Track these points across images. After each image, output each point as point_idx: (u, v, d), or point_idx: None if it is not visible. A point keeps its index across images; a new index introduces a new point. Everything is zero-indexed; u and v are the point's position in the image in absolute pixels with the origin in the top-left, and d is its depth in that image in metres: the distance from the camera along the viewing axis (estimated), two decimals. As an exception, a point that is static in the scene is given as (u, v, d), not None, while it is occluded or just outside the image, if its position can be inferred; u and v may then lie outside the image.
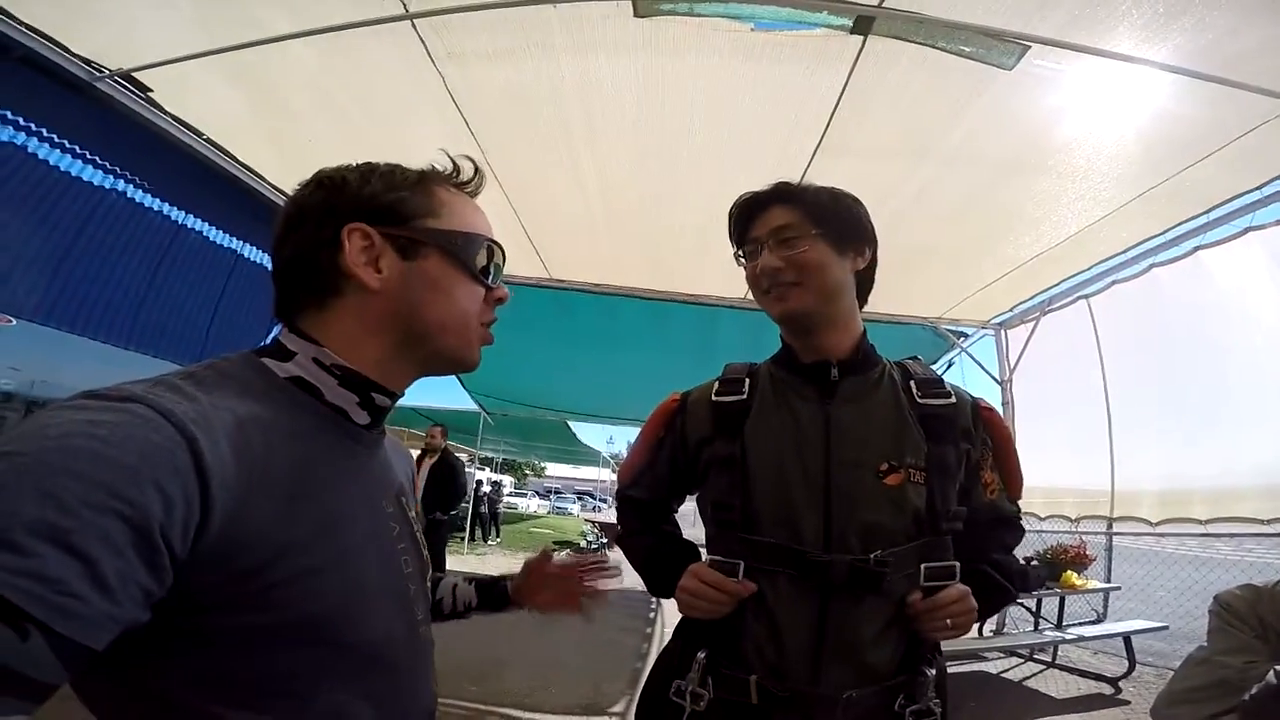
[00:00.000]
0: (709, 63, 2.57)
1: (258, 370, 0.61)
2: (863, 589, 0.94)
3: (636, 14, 2.34)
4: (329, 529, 0.58)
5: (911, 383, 1.06)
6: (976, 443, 1.06)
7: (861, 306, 1.12)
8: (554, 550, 1.08)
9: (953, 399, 1.05)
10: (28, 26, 2.26)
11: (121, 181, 2.84)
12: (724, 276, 4.42)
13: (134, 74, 2.58)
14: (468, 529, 11.91)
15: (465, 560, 10.17)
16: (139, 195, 2.96)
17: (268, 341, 0.66)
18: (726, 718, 0.98)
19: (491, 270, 0.71)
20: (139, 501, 0.44)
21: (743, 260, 1.11)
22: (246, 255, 3.80)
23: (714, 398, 1.11)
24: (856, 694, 0.92)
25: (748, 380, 1.10)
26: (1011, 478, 1.12)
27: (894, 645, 0.97)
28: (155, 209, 3.08)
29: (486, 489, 14.45)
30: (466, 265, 0.68)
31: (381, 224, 0.64)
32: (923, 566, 0.97)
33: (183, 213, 3.26)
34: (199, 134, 3.01)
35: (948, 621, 0.96)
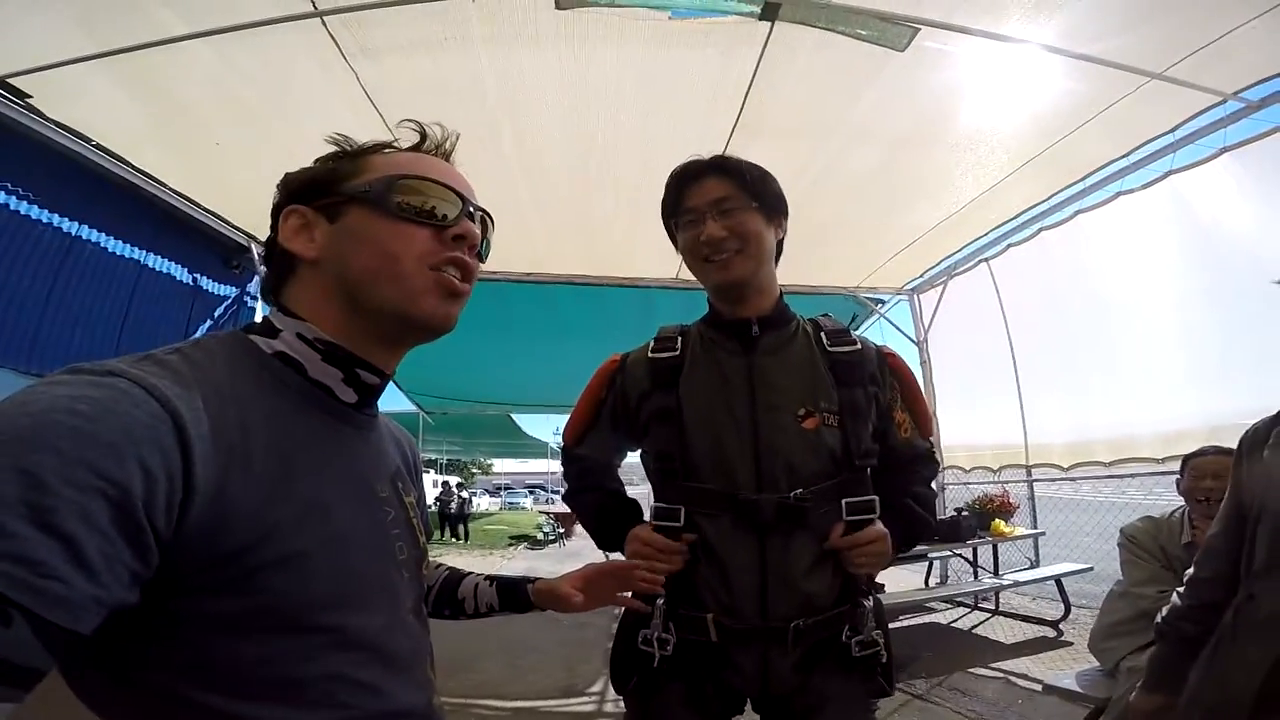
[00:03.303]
0: (629, 51, 2.63)
1: (244, 347, 0.61)
2: (791, 525, 1.03)
3: (558, 7, 2.37)
4: (316, 510, 0.56)
5: (822, 334, 1.16)
6: (885, 386, 1.16)
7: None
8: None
9: (859, 346, 1.15)
10: None
11: (2, 194, 2.63)
12: (657, 257, 4.49)
13: (8, 80, 2.39)
14: (437, 530, 11.64)
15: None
16: (25, 208, 2.75)
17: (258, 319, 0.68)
18: (691, 659, 1.06)
19: (432, 206, 0.65)
20: (121, 479, 0.42)
21: (675, 229, 1.17)
22: (151, 265, 3.60)
23: (650, 355, 1.18)
24: (803, 624, 1.01)
25: (680, 338, 1.18)
26: (921, 416, 1.21)
27: (829, 578, 1.06)
28: (46, 222, 2.87)
29: (455, 494, 14.54)
30: (386, 208, 0.63)
31: (313, 199, 0.65)
32: (844, 502, 1.06)
33: (76, 224, 3.05)
34: (88, 141, 2.81)
35: (864, 559, 1.06)
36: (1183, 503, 2.10)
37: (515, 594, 0.96)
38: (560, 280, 5.00)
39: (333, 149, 0.70)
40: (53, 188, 2.83)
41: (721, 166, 1.12)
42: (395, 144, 0.70)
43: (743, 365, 1.11)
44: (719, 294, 1.17)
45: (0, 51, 2.29)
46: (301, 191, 0.66)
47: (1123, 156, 3.35)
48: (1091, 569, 4.52)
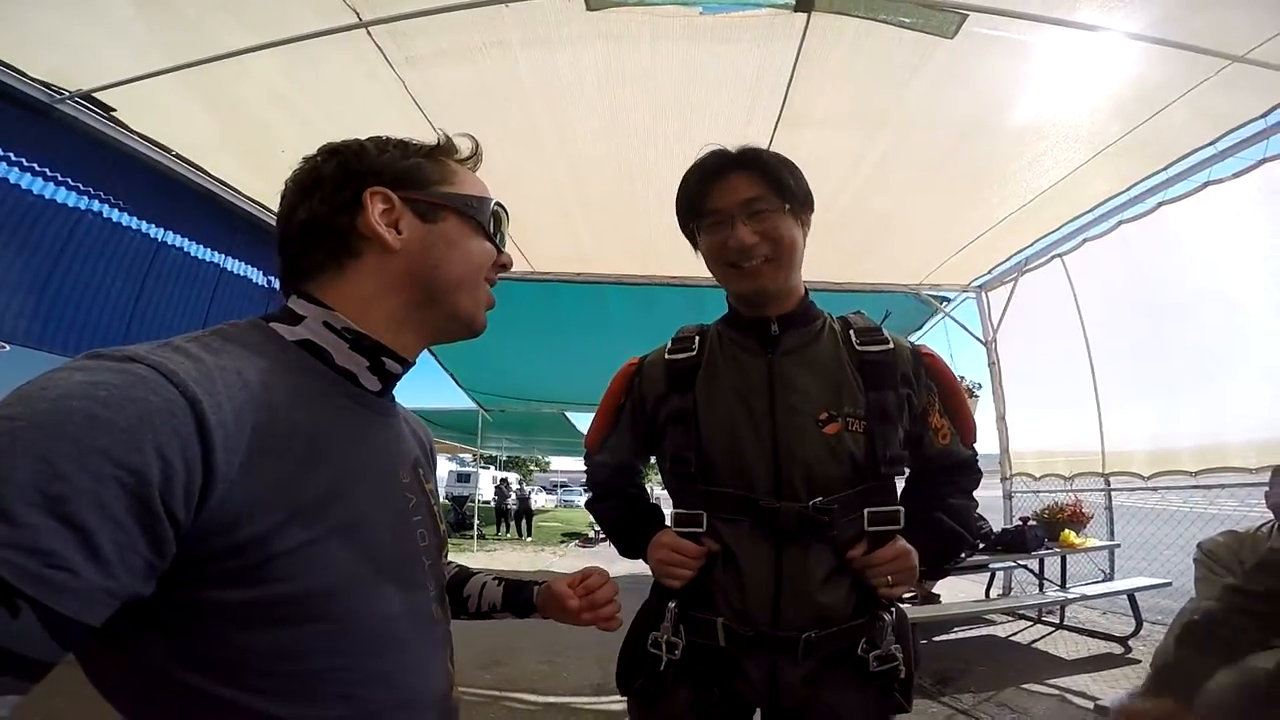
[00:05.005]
0: (664, 48, 2.62)
1: (265, 334, 0.60)
2: (810, 534, 0.98)
3: (589, 8, 2.38)
4: (337, 496, 0.56)
5: (851, 332, 1.09)
6: (920, 388, 1.08)
7: None
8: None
9: (890, 345, 1.07)
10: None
11: (96, 202, 2.87)
12: (704, 257, 4.46)
13: (95, 94, 2.59)
14: (475, 526, 12.05)
15: (475, 557, 10.27)
16: (116, 215, 2.99)
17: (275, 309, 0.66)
18: (699, 663, 1.03)
19: (501, 234, 0.74)
20: (138, 467, 0.42)
21: (696, 231, 1.09)
22: (230, 269, 3.82)
23: (667, 356, 1.15)
24: (815, 635, 0.97)
25: (698, 338, 1.14)
26: (963, 422, 1.13)
27: (847, 589, 1.00)
28: (134, 228, 3.11)
29: (511, 490, 15.40)
30: (481, 226, 0.71)
31: (401, 188, 0.66)
32: (865, 511, 1.00)
33: (162, 230, 3.28)
34: (168, 151, 3.03)
35: (887, 578, 1.00)
36: (1272, 517, 1.92)
37: (519, 596, 0.94)
38: (609, 280, 5.03)
39: (388, 135, 0.71)
40: (139, 196, 3.07)
41: (752, 161, 1.04)
42: (456, 152, 0.74)
43: (762, 365, 1.06)
44: (742, 300, 1.11)
45: (84, 67, 2.48)
46: (387, 176, 0.66)
47: (1209, 144, 3.06)
48: (1170, 584, 4.21)
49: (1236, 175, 3.17)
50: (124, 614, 0.44)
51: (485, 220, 0.71)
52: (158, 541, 0.44)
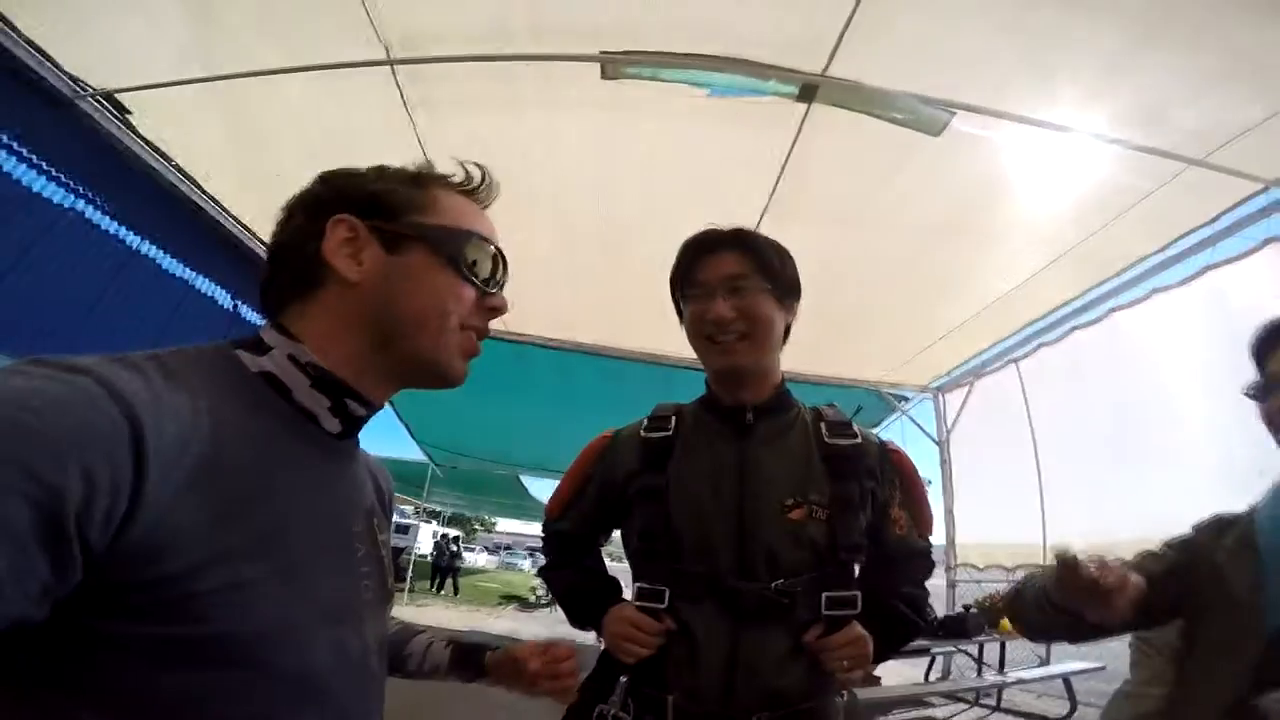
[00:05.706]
0: (666, 125, 2.77)
1: (228, 361, 0.58)
2: (769, 616, 1.01)
3: (603, 76, 2.52)
4: (276, 540, 0.53)
5: (822, 424, 1.13)
6: (884, 482, 1.13)
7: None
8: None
9: (858, 439, 1.12)
10: (26, 39, 2.21)
11: (82, 201, 2.75)
12: (679, 336, 4.48)
13: (116, 95, 2.56)
14: (408, 580, 11.45)
15: (404, 611, 9.62)
16: (95, 215, 2.86)
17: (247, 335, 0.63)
18: None
19: (488, 273, 0.67)
20: (57, 485, 0.39)
21: (682, 302, 1.15)
22: (197, 287, 3.66)
23: (642, 434, 1.16)
24: (765, 717, 0.98)
25: (674, 418, 1.16)
26: (920, 515, 1.18)
27: (802, 671, 1.02)
28: (110, 232, 2.96)
29: (447, 547, 15.25)
30: (452, 260, 0.64)
31: (370, 217, 0.62)
32: (824, 595, 1.03)
33: (138, 238, 3.14)
34: (169, 160, 2.98)
35: (844, 662, 1.02)
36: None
37: (470, 660, 0.91)
38: (580, 349, 5.02)
39: (383, 164, 0.69)
40: (125, 201, 2.95)
41: (741, 241, 1.10)
42: (450, 178, 0.70)
43: (733, 451, 1.10)
44: (717, 378, 1.16)
45: (114, 67, 2.44)
46: (359, 203, 0.63)
47: (1159, 250, 3.26)
48: (1104, 668, 4.38)
49: (1183, 282, 3.36)
50: (17, 639, 0.41)
51: (459, 254, 0.65)
52: (61, 565, 0.41)
